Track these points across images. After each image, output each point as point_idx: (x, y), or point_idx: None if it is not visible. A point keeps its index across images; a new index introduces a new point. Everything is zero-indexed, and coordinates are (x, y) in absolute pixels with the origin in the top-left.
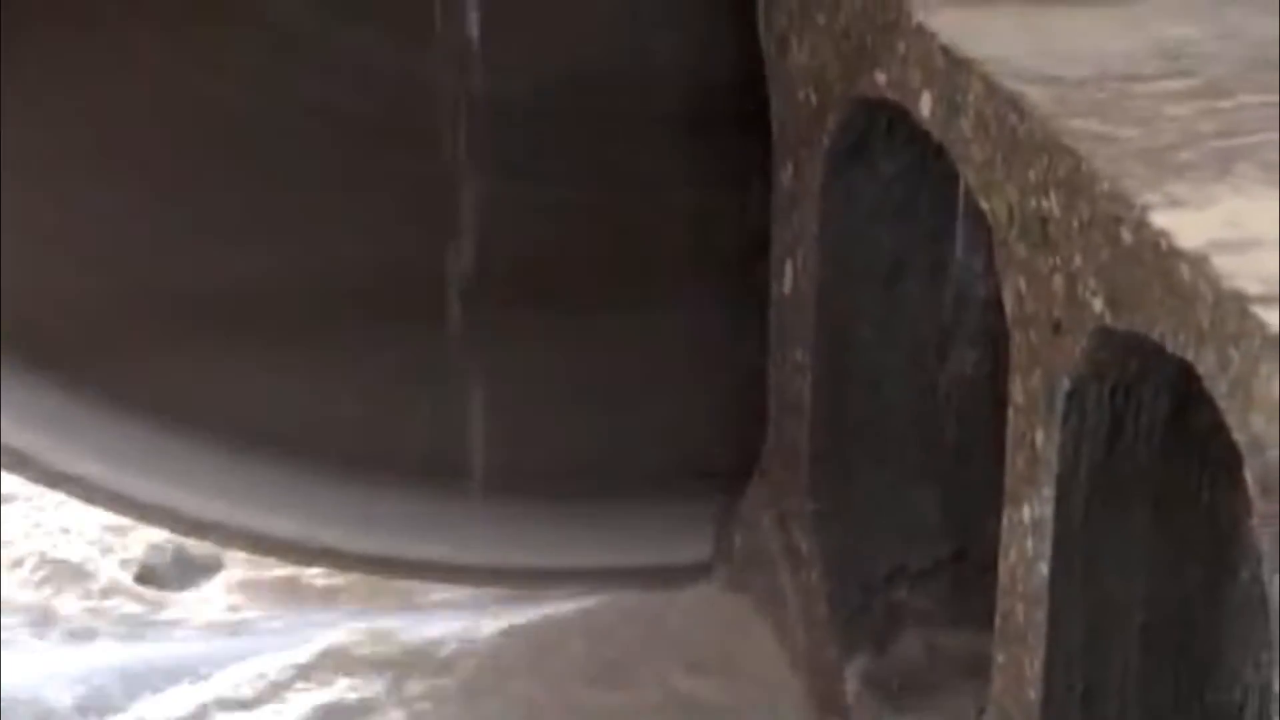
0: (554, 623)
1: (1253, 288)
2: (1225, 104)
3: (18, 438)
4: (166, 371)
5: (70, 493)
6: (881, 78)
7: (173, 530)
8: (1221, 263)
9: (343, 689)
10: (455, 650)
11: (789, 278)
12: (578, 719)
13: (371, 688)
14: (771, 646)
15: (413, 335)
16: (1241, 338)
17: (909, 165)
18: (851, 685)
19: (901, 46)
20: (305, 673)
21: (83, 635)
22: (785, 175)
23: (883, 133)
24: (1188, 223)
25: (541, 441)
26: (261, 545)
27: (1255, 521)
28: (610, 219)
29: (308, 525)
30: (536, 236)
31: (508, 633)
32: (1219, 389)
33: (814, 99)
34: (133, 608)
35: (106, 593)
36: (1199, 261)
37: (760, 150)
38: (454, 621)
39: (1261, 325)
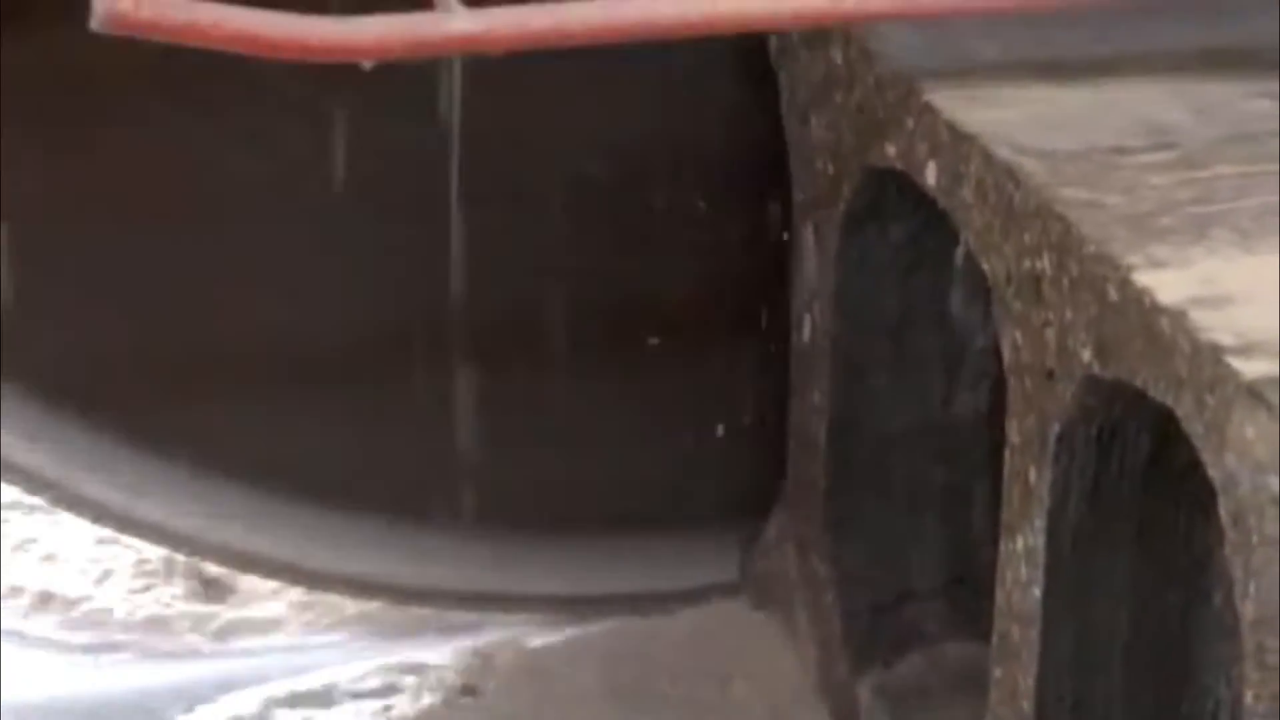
0: (579, 640)
1: (1227, 340)
2: (1201, 174)
3: (57, 470)
4: (189, 413)
5: (88, 517)
6: (891, 149)
7: (192, 554)
8: (1198, 317)
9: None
10: (486, 669)
11: (807, 329)
12: None
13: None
14: (791, 660)
15: (413, 384)
16: (1216, 385)
17: (915, 228)
18: (863, 697)
19: (910, 122)
20: (327, 696)
21: (138, 647)
22: (805, 236)
23: (892, 198)
24: (1167, 281)
25: (539, 479)
26: (264, 568)
27: (1228, 550)
28: (635, 279)
29: (300, 549)
30: (547, 296)
31: (536, 652)
32: (1196, 431)
33: (831, 168)
34: (189, 620)
35: (168, 603)
36: (1178, 316)
37: (780, 214)
38: (484, 638)
39: (1235, 374)
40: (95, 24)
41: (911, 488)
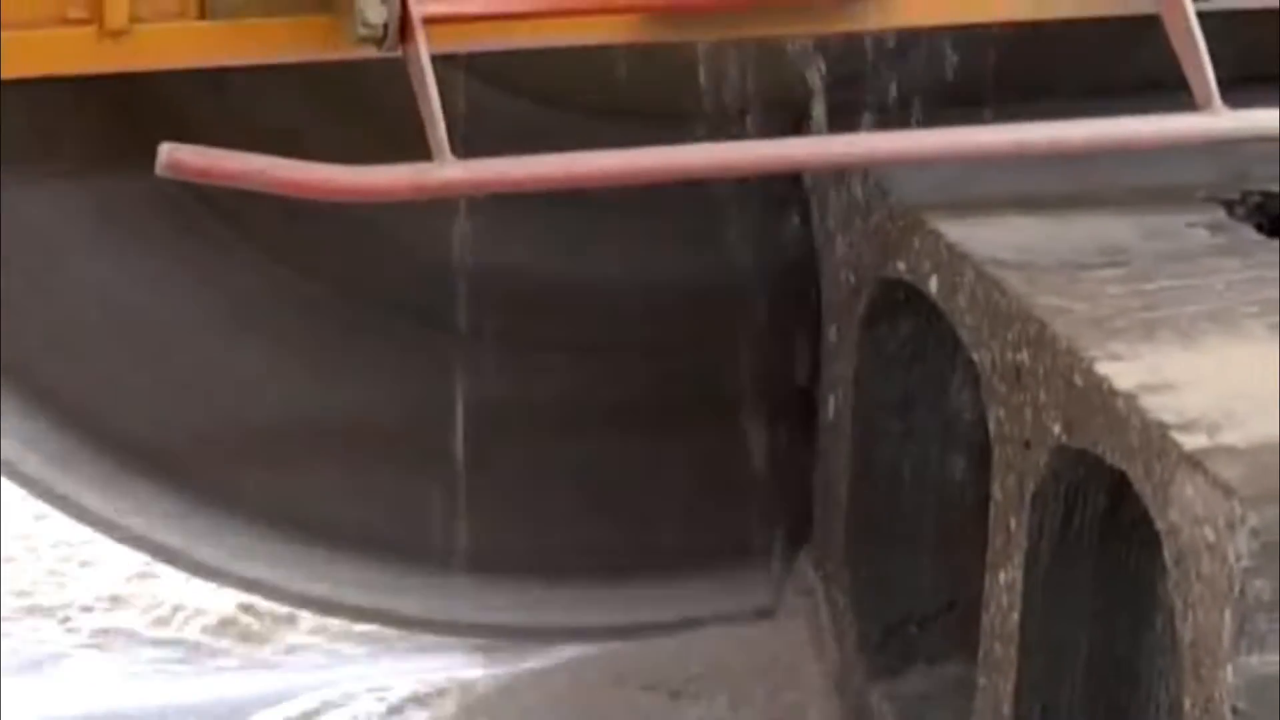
0: (626, 653)
1: (1170, 418)
2: (1148, 286)
3: (136, 521)
4: (246, 475)
5: (160, 559)
6: (901, 265)
7: (248, 592)
8: (1147, 400)
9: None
10: (534, 681)
11: (832, 407)
12: None
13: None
14: (815, 670)
15: (438, 457)
16: (1162, 454)
17: (919, 326)
18: (875, 701)
19: (916, 243)
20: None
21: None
22: (830, 334)
23: (901, 303)
24: (1122, 371)
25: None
26: (300, 602)
27: (1170, 585)
28: (700, 364)
29: (335, 589)
30: (624, 373)
31: (581, 662)
32: (1145, 491)
33: (852, 279)
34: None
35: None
36: (1131, 399)
37: (809, 316)
38: (525, 662)
39: (1177, 445)
40: (159, 169)
41: (914, 532)
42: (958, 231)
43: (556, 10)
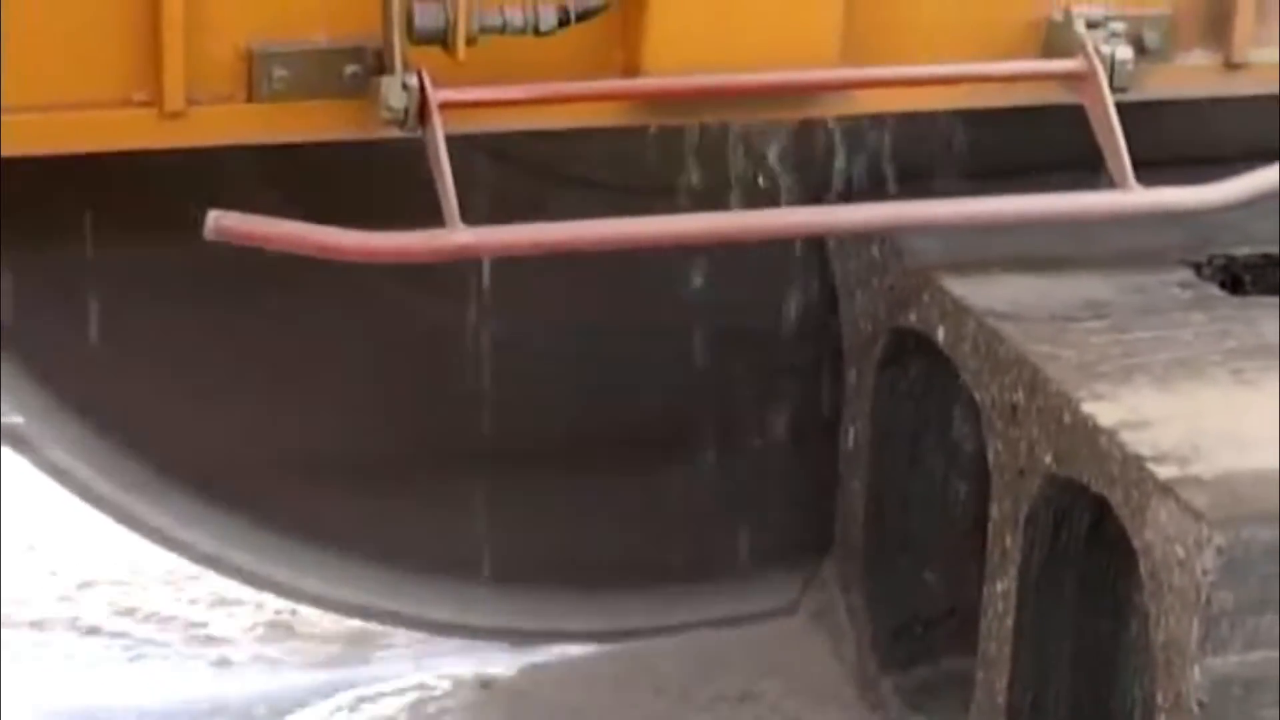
0: (666, 646)
1: (1147, 451)
2: (1127, 336)
3: (209, 544)
4: (306, 501)
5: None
6: (913, 316)
7: (315, 607)
8: (1126, 436)
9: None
10: (568, 676)
11: (851, 438)
12: (688, 706)
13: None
14: (834, 665)
15: (465, 485)
16: (1139, 482)
17: (927, 369)
18: (886, 691)
19: (926, 297)
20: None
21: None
22: (851, 376)
23: (911, 349)
24: (1105, 410)
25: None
26: (340, 609)
27: (1146, 595)
28: (739, 400)
29: (372, 597)
30: (673, 412)
31: (619, 654)
32: (1124, 514)
33: (869, 328)
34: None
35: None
36: (1112, 434)
37: (830, 362)
38: (552, 653)
39: (1152, 475)
40: (207, 233)
41: (921, 547)
42: (962, 288)
43: (553, 98)
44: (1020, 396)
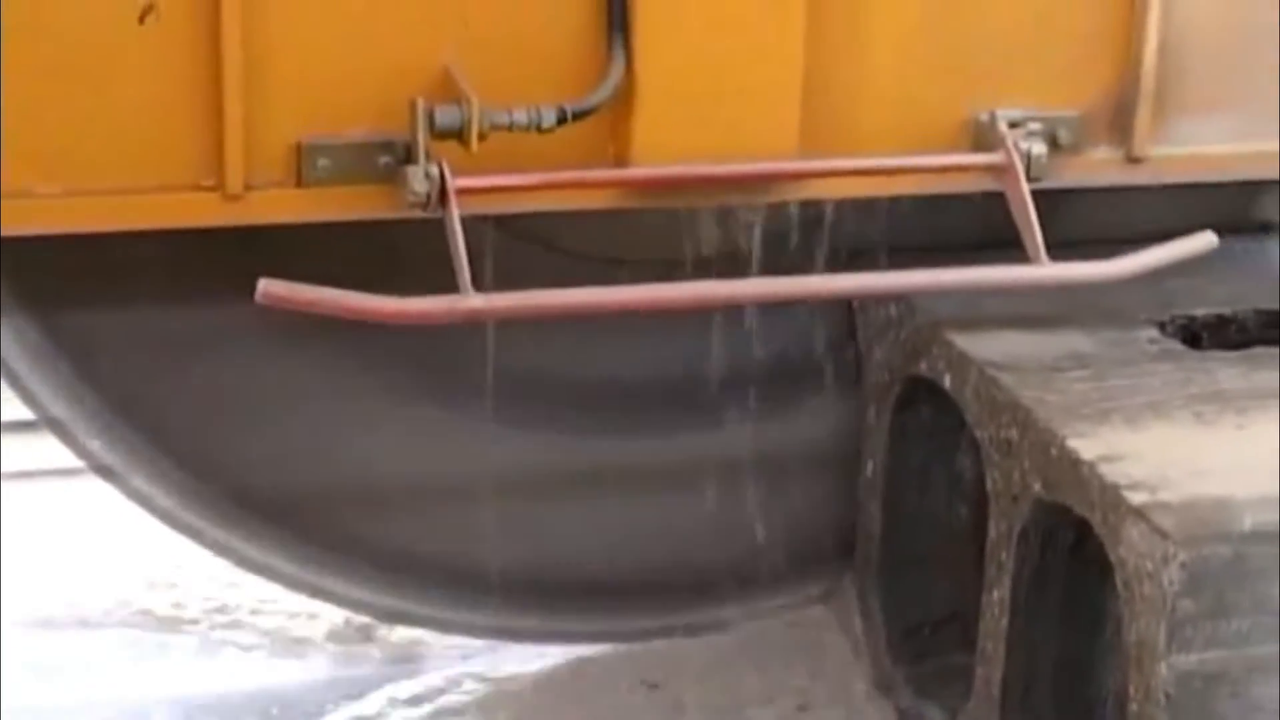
0: (703, 642)
1: (1122, 481)
2: (1104, 384)
3: (285, 564)
4: (358, 519)
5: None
6: (924, 365)
7: (371, 616)
8: (1104, 468)
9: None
10: (608, 670)
11: (870, 468)
12: (718, 694)
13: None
14: (851, 659)
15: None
16: (1115, 507)
17: (935, 411)
18: (899, 683)
19: (935, 349)
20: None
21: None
22: (870, 415)
23: (923, 394)
24: (1086, 446)
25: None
26: (410, 621)
27: (1120, 603)
28: (780, 434)
29: (409, 603)
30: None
31: (652, 650)
32: (1102, 533)
33: (886, 376)
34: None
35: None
36: (1092, 466)
37: (852, 401)
38: (587, 649)
39: (1126, 500)
40: (258, 298)
41: (929, 560)
42: (965, 342)
43: (553, 184)
44: (1014, 434)
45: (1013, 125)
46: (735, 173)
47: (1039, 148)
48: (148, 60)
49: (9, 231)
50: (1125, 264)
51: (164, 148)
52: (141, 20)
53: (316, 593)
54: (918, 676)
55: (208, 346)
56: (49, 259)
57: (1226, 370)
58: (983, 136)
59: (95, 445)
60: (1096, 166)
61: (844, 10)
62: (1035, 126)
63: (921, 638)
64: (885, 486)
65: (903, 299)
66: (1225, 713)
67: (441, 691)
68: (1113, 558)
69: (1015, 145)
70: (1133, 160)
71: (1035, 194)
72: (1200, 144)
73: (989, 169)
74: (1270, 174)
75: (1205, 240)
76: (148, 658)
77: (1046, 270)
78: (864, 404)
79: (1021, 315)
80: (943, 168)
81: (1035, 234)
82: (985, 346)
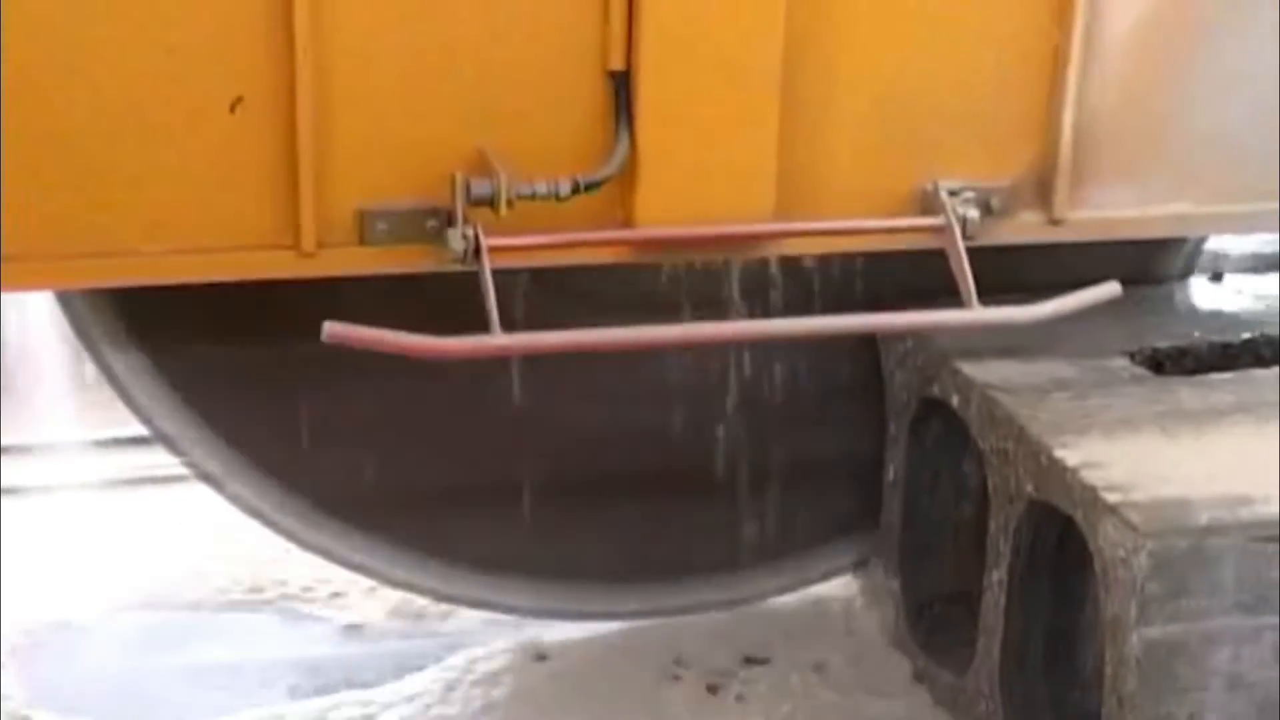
0: (741, 615)
1: (1100, 484)
2: (1086, 403)
3: (355, 555)
4: (418, 519)
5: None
6: (936, 389)
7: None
8: (1085, 473)
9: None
10: (633, 645)
11: (891, 472)
12: (760, 659)
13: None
14: (876, 631)
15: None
16: (1094, 505)
17: (945, 425)
18: (914, 649)
19: (945, 375)
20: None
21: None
22: (891, 429)
23: (935, 411)
24: (1070, 455)
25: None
26: (463, 603)
27: (1098, 584)
28: (811, 445)
29: (450, 585)
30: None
31: (679, 624)
32: (1083, 527)
33: (905, 397)
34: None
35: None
36: (1075, 472)
37: (876, 419)
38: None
39: (1103, 499)
40: (324, 338)
41: (939, 549)
42: (971, 368)
43: (570, 243)
44: (1010, 444)
45: (952, 193)
46: (723, 233)
47: (974, 212)
48: (237, 142)
49: (125, 283)
50: (1042, 308)
51: (248, 214)
52: (232, 110)
53: (382, 579)
54: (931, 644)
55: (287, 375)
56: (158, 305)
57: (1187, 391)
58: (927, 203)
59: (198, 455)
60: (1023, 228)
61: (812, 100)
62: (970, 195)
63: (933, 612)
64: (904, 487)
65: (869, 337)
66: (1185, 675)
67: (490, 667)
68: (1092, 547)
69: (954, 210)
70: (1054, 222)
71: (989, 249)
72: (1112, 209)
73: (932, 230)
74: (1173, 233)
75: (1110, 289)
76: (232, 629)
77: (976, 314)
78: (887, 420)
79: (1016, 346)
80: (894, 229)
81: (969, 283)
82: (986, 372)
